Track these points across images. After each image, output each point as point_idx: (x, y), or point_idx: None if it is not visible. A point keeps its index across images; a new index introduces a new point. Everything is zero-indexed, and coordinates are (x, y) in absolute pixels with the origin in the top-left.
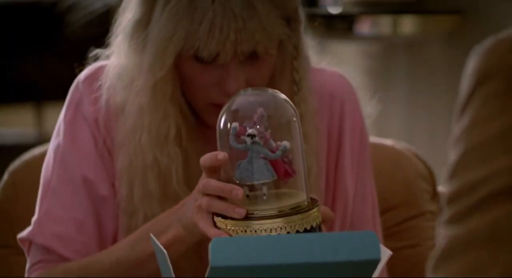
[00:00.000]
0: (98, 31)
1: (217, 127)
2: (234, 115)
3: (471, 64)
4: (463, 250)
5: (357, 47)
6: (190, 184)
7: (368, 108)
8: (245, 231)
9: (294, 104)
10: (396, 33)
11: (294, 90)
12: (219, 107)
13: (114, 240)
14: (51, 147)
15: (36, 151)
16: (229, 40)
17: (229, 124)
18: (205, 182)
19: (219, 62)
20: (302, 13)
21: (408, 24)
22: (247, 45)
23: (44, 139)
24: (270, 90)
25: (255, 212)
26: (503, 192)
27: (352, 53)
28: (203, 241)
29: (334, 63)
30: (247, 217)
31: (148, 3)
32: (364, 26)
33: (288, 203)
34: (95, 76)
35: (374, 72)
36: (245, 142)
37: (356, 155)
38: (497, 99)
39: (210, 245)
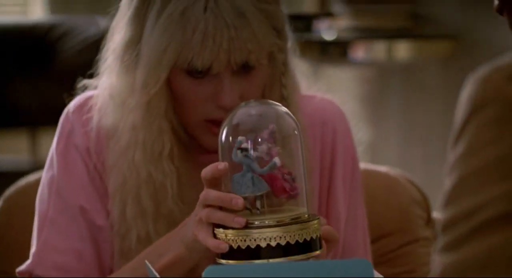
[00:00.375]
0: (92, 58)
1: (219, 140)
2: (235, 129)
3: (467, 92)
4: (459, 277)
5: (351, 73)
6: (183, 202)
7: (362, 134)
8: (245, 240)
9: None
10: (391, 58)
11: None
12: (213, 123)
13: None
14: (44, 178)
15: (31, 178)
16: (222, 49)
17: (231, 138)
18: (205, 193)
19: (212, 72)
20: (289, 30)
21: (403, 50)
22: (240, 54)
23: (38, 165)
24: (271, 102)
25: (255, 222)
26: (498, 219)
27: (346, 79)
28: (196, 269)
29: (328, 89)
30: (247, 227)
31: (139, 21)
32: (359, 52)
33: (288, 214)
34: (85, 105)
35: (369, 98)
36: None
37: (348, 182)
38: (493, 127)
39: (203, 274)
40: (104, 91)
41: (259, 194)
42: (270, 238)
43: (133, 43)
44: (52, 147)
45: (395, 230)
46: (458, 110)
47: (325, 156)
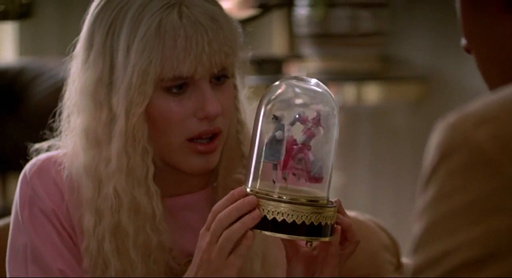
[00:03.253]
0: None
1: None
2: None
3: (435, 138)
4: None
5: None
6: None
7: (332, 179)
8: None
9: (239, 143)
10: (361, 101)
11: (238, 129)
12: (196, 142)
13: None
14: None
15: (0, 223)
16: (205, 52)
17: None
18: (216, 220)
19: (195, 78)
20: (246, 56)
21: (372, 92)
22: (219, 57)
23: (8, 210)
24: (314, 80)
25: (273, 195)
26: (467, 265)
27: None
28: None
29: None
30: (265, 197)
31: (105, 54)
32: None
33: (306, 195)
34: (42, 167)
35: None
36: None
37: None
38: (461, 173)
39: None
40: (74, 131)
41: (272, 162)
42: (278, 213)
43: (104, 76)
44: (16, 211)
45: (365, 275)
46: (427, 156)
47: None
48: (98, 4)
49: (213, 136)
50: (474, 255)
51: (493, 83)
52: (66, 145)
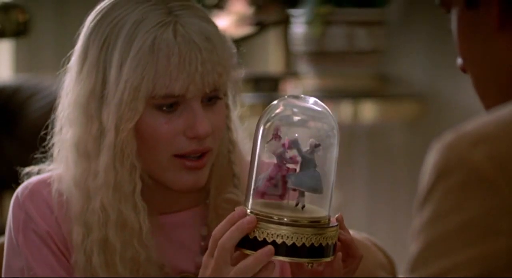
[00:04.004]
0: None
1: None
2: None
3: (431, 158)
4: None
5: None
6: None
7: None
8: (262, 232)
9: (230, 163)
10: (357, 120)
11: (229, 148)
12: (184, 158)
13: None
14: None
15: None
16: (198, 72)
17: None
18: (219, 246)
19: (187, 97)
20: (239, 76)
21: (369, 111)
22: (212, 77)
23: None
24: (312, 99)
25: (274, 217)
26: None
27: None
28: None
29: None
30: (266, 220)
31: (99, 68)
32: None
33: (308, 215)
34: (34, 190)
35: None
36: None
37: None
38: (457, 194)
39: None
40: (65, 143)
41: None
42: (279, 235)
43: (96, 90)
44: (10, 234)
45: None
46: (423, 176)
47: None
48: (94, 18)
49: (202, 154)
50: (472, 276)
51: (489, 103)
52: (57, 160)
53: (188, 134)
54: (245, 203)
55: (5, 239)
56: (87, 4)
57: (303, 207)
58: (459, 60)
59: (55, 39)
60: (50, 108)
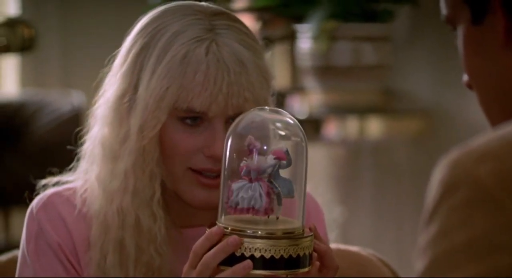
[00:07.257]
0: (66, 135)
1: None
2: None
3: (437, 175)
4: None
5: (323, 151)
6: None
7: (334, 215)
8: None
9: None
10: (363, 136)
11: None
12: (199, 173)
13: None
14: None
15: (3, 258)
16: (222, 92)
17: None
18: (203, 261)
19: (209, 115)
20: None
21: (374, 126)
22: (237, 100)
23: (12, 245)
24: (283, 111)
25: (247, 231)
26: None
27: (319, 158)
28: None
29: None
30: (242, 234)
31: (134, 71)
32: (331, 129)
33: (282, 227)
34: (48, 202)
35: (340, 176)
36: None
37: None
38: (463, 210)
39: None
40: (95, 141)
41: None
42: (256, 249)
43: (128, 92)
44: (23, 245)
45: None
46: (429, 192)
47: None
48: (143, 21)
49: (218, 174)
50: None
51: (495, 119)
52: (85, 158)
53: (205, 153)
54: (218, 218)
55: (20, 251)
56: (93, 20)
57: (277, 217)
58: (465, 77)
59: (60, 54)
60: (55, 125)
